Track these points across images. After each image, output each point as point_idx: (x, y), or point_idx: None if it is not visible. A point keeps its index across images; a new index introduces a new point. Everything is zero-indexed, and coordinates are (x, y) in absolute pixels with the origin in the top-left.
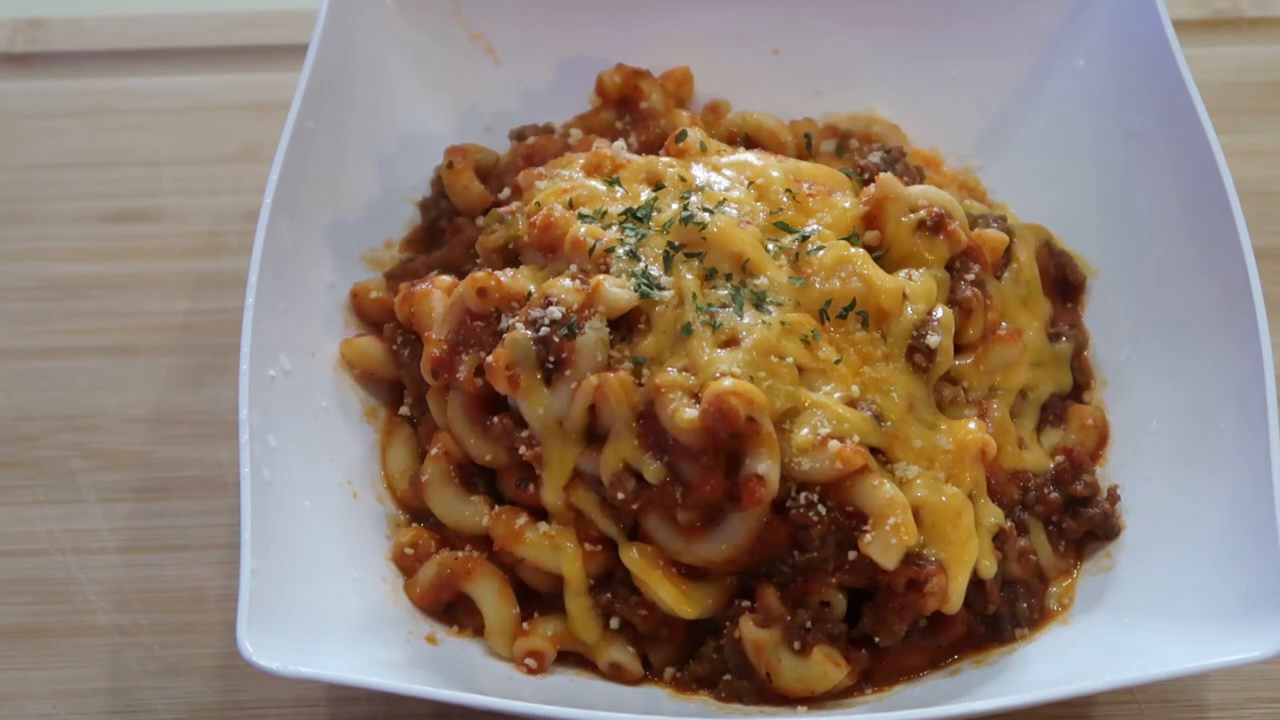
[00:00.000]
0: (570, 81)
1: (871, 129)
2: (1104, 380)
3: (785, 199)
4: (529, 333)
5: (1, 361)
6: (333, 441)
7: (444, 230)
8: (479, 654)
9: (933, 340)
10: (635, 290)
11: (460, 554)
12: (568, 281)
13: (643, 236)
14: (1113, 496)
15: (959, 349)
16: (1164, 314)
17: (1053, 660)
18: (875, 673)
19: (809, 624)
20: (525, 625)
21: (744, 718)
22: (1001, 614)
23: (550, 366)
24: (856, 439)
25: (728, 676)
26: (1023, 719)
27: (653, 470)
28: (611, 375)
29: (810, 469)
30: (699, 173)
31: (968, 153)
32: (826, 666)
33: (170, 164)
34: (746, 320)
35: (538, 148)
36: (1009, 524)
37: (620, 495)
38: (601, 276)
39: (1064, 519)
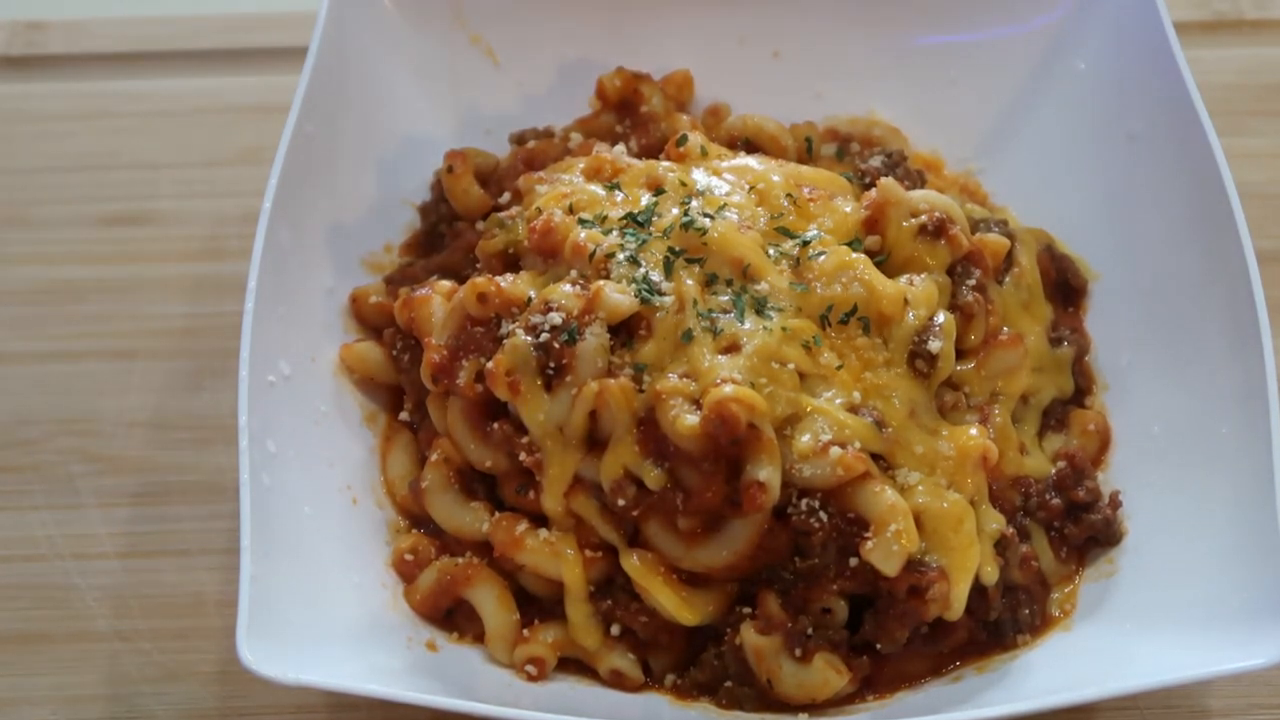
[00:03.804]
0: (570, 85)
1: (872, 132)
2: (1105, 385)
3: (786, 203)
4: (529, 338)
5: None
6: (332, 447)
7: (444, 234)
8: (479, 661)
9: (934, 346)
10: (636, 296)
11: (460, 560)
12: (568, 287)
13: (643, 242)
14: (1114, 502)
15: (960, 354)
16: (1166, 318)
17: (1055, 667)
18: (877, 679)
19: (810, 630)
20: (525, 632)
21: None
22: (1003, 620)
23: (550, 372)
24: (858, 445)
25: (728, 683)
26: None
27: (653, 476)
28: (612, 381)
29: (811, 475)
30: (699, 177)
31: (969, 156)
32: (828, 673)
33: (169, 167)
34: (747, 326)
35: (538, 152)
36: (1011, 530)
37: (621, 501)
38: (602, 282)
39: (1066, 525)
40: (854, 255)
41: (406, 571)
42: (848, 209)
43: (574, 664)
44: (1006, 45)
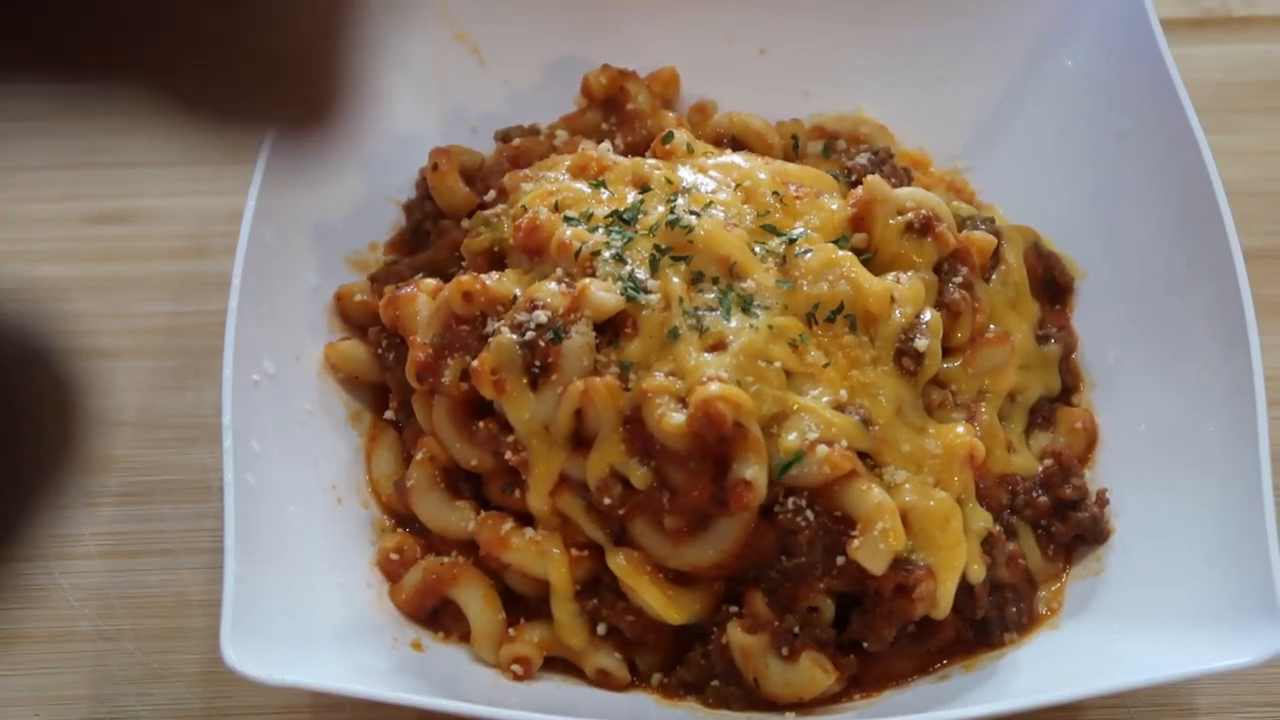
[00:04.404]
0: (556, 82)
1: (859, 130)
2: (1093, 382)
3: (772, 201)
4: (514, 337)
5: None
6: (317, 446)
7: (429, 232)
8: (465, 660)
9: (921, 343)
10: (621, 294)
11: (446, 559)
12: (553, 285)
13: (629, 239)
14: (1101, 500)
15: (947, 352)
16: (1153, 316)
17: (1042, 665)
18: (863, 678)
19: (797, 629)
20: (511, 631)
21: None
22: (990, 619)
23: (536, 371)
24: (844, 443)
25: (715, 682)
26: None
27: (639, 475)
28: (598, 380)
29: (798, 474)
30: (685, 175)
31: (956, 154)
32: (814, 672)
33: (153, 164)
34: (733, 324)
35: (523, 149)
36: (998, 528)
37: (607, 500)
38: (587, 280)
39: (1053, 523)
40: (840, 253)
41: (391, 571)
42: (834, 206)
43: (560, 663)
44: (994, 43)
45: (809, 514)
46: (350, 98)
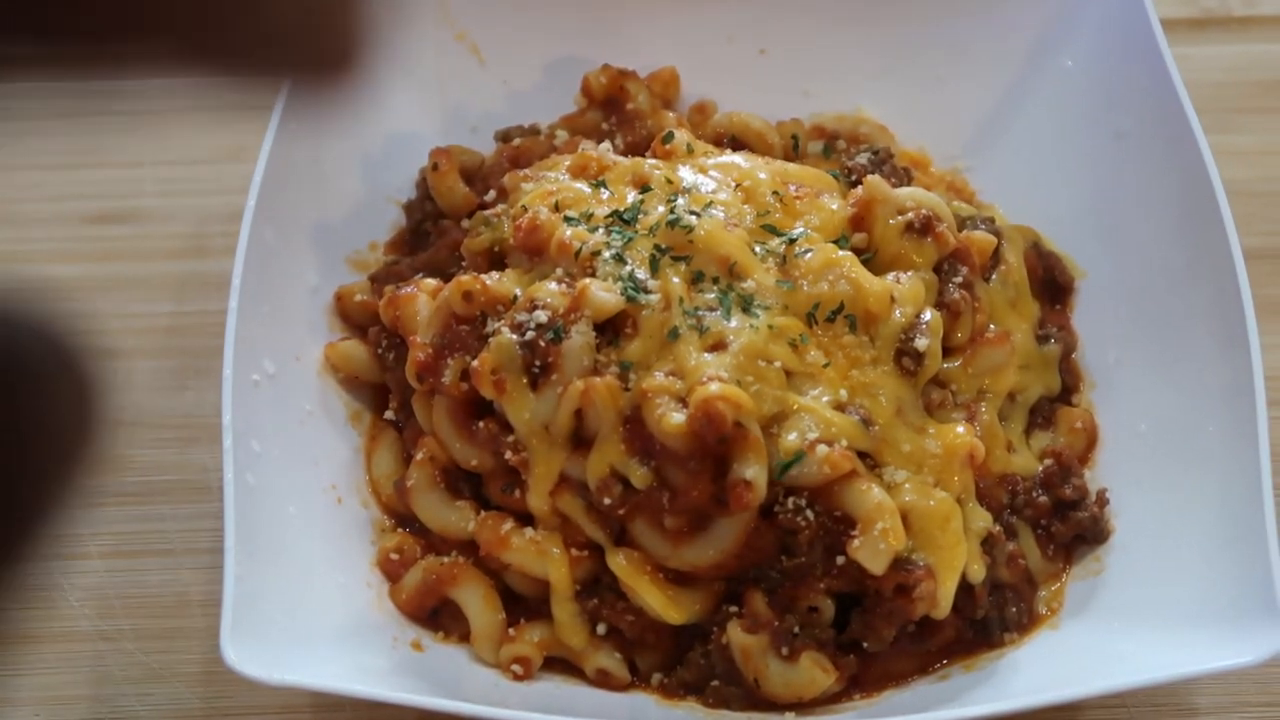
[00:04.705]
0: (556, 82)
1: (859, 130)
2: (1093, 382)
3: (772, 201)
4: (514, 337)
5: None
6: (317, 446)
7: (429, 232)
8: (465, 660)
9: (921, 343)
10: (621, 294)
11: (446, 559)
12: (553, 285)
13: (629, 239)
14: (1101, 500)
15: (947, 352)
16: (1153, 316)
17: (1042, 665)
18: (863, 678)
19: (797, 629)
20: (511, 631)
21: None
22: (990, 618)
23: (536, 371)
24: (844, 443)
25: (715, 682)
26: None
27: (639, 475)
28: (598, 380)
29: (798, 474)
30: (686, 174)
31: (956, 153)
32: (814, 672)
33: (152, 164)
34: (734, 324)
35: (523, 149)
36: (998, 528)
37: (607, 500)
38: (587, 280)
39: (1053, 523)
40: (840, 253)
41: (392, 571)
42: (834, 206)
43: (560, 663)
44: (994, 43)
45: (809, 514)
46: (366, 48)
